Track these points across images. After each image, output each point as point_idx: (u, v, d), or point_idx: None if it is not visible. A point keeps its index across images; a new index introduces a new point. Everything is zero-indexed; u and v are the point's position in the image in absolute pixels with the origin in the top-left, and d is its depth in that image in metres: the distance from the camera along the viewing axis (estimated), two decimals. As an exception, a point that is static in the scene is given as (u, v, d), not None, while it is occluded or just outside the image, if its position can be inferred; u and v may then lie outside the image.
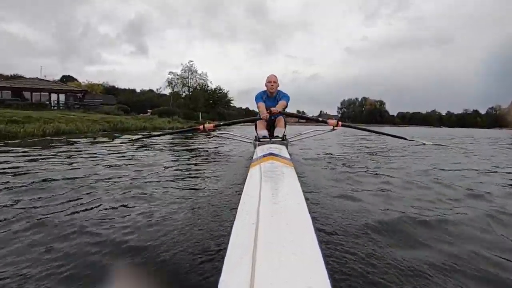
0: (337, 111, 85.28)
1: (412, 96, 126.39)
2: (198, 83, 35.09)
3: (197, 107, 31.71)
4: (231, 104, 43.56)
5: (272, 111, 2.83)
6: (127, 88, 47.05)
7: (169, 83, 33.99)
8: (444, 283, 0.76)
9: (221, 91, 41.88)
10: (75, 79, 42.00)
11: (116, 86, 47.13)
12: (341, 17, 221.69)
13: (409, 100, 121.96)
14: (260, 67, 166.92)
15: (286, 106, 3.10)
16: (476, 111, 78.45)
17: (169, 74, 34.42)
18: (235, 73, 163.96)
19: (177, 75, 34.25)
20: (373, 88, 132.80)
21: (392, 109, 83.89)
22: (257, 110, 3.12)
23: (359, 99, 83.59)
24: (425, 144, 4.96)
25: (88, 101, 21.67)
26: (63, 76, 46.19)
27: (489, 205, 1.46)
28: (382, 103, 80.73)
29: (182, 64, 35.36)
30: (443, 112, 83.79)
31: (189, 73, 34.67)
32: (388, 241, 0.99)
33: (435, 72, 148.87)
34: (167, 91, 35.21)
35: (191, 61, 35.66)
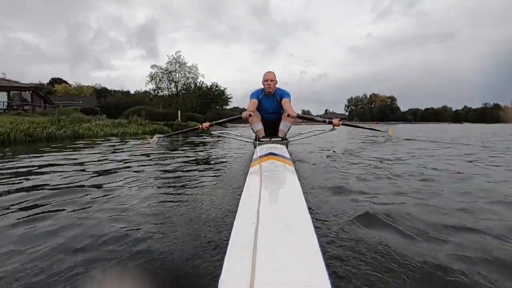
0: (345, 109, 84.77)
1: (420, 93, 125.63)
2: (187, 77, 30.76)
3: (187, 108, 28.32)
4: (229, 103, 39.72)
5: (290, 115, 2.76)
6: (120, 89, 47.17)
7: (152, 78, 29.78)
8: (446, 283, 0.79)
9: (217, 89, 37.76)
10: (65, 82, 42.47)
11: (109, 88, 47.43)
12: (345, 15, 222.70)
13: (417, 96, 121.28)
14: (265, 67, 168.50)
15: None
16: (497, 105, 76.60)
17: (151, 67, 30.18)
18: (241, 74, 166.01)
19: (161, 68, 29.98)
20: (379, 85, 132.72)
21: (401, 106, 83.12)
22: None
23: (368, 96, 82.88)
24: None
25: (57, 102, 20.19)
26: (52, 79, 46.53)
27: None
28: (393, 99, 79.75)
29: (168, 56, 31.35)
30: (454, 108, 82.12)
31: (177, 66, 30.23)
32: (389, 241, 1.02)
33: (443, 67, 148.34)
34: (150, 87, 30.95)
35: (179, 52, 31.25)
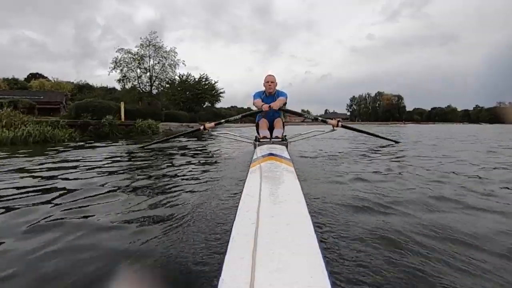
0: (346, 109, 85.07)
1: (423, 93, 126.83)
2: (163, 64, 24.33)
3: (174, 105, 25.42)
4: (221, 99, 35.39)
5: (272, 106, 3.11)
6: (105, 86, 46.56)
7: (116, 64, 22.88)
8: (446, 284, 0.84)
9: (207, 82, 33.24)
10: (45, 77, 42.05)
11: (91, 84, 46.91)
12: (348, 15, 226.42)
13: (420, 97, 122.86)
14: (267, 67, 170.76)
15: (285, 103, 3.37)
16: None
17: (117, 52, 23.07)
18: (243, 75, 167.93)
19: (130, 53, 23.27)
20: (382, 86, 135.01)
21: (406, 106, 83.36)
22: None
23: (372, 95, 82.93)
24: None
25: (12, 97, 17.51)
26: (31, 74, 45.98)
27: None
28: (400, 98, 79.59)
29: (141, 38, 23.64)
30: (459, 108, 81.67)
31: (151, 49, 23.71)
32: (389, 241, 1.08)
33: (446, 68, 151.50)
34: (115, 76, 24.67)
35: (155, 33, 24.05)
